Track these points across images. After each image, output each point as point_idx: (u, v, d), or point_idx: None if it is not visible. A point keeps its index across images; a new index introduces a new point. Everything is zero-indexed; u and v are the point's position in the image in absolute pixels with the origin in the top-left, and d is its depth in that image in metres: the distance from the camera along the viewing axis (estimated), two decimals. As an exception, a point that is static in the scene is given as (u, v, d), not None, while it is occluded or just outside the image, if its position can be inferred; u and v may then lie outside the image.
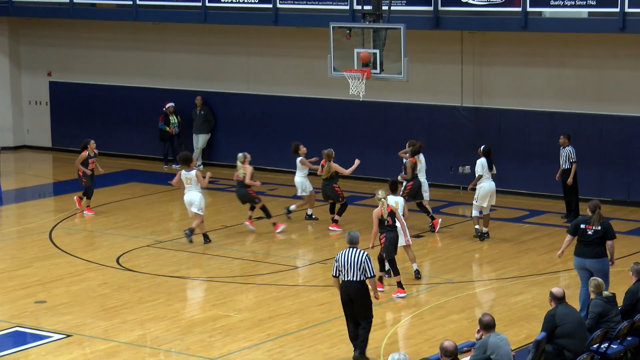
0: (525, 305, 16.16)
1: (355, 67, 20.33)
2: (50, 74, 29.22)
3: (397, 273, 16.70)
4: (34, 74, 29.43)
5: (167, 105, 26.73)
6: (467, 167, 23.51)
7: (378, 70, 20.25)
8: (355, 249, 13.95)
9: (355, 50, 20.28)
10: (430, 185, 21.94)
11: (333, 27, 20.87)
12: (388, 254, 16.67)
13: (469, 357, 12.15)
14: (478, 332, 12.12)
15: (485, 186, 19.62)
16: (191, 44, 27.03)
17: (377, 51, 20.21)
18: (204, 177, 19.74)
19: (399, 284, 16.65)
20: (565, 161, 20.96)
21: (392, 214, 16.56)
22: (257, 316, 15.87)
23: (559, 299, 13.02)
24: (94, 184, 22.29)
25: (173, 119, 26.73)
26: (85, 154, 21.92)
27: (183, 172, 19.81)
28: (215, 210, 22.38)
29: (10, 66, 29.41)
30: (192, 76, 27.08)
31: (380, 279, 16.75)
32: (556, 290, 13.14)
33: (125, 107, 27.89)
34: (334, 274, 13.99)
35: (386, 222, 16.52)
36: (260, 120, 26.18)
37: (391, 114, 24.51)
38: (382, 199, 16.46)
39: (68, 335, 15.01)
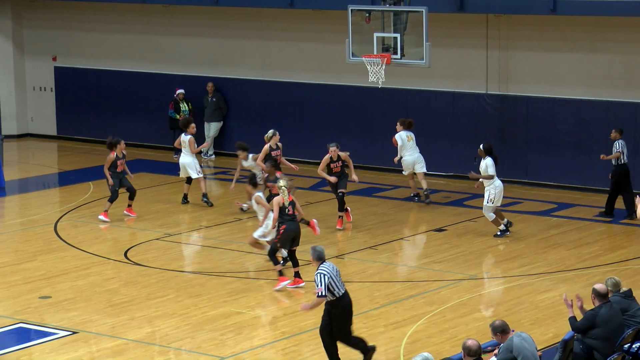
0: (553, 303, 15.93)
1: (375, 52, 20.24)
2: (55, 59, 29.18)
3: (296, 264, 16.75)
4: (38, 59, 29.43)
5: (178, 92, 26.60)
6: (492, 157, 23.22)
7: (399, 56, 20.24)
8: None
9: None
10: (452, 177, 22.08)
11: (352, 10, 20.79)
12: (283, 245, 16.76)
13: (493, 358, 11.98)
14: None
15: (498, 185, 19.38)
16: (202, 28, 26.99)
17: (398, 35, 20.18)
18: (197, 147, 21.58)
19: (297, 274, 16.71)
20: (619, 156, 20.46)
21: (293, 203, 16.72)
22: (271, 313, 15.85)
23: (603, 297, 12.68)
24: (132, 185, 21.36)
25: (183, 106, 26.59)
26: (113, 155, 20.66)
27: (182, 134, 21.62)
28: (227, 202, 22.31)
29: (14, 51, 29.40)
30: (203, 61, 27.06)
31: (297, 275, 16.71)
32: (599, 286, 12.79)
33: (134, 93, 27.86)
34: (325, 293, 13.23)
35: (287, 210, 16.62)
36: (274, 107, 26.15)
37: (412, 102, 24.47)
38: (283, 187, 16.66)
39: (74, 332, 14.97)
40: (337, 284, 13.27)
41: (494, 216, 19.33)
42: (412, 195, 22.21)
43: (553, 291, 16.45)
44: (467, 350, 11.12)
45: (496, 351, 11.99)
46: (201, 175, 21.63)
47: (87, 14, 28.32)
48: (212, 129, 26.57)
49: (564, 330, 13.20)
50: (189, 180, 21.77)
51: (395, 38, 20.11)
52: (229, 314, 15.66)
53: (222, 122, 26.65)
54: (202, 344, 14.51)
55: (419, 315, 15.43)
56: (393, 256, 18.37)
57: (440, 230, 19.98)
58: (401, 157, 21.83)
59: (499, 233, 19.37)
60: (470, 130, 23.70)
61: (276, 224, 16.67)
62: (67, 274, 17.50)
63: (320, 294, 13.16)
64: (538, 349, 12.10)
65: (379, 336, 14.63)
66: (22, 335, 14.96)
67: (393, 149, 24.39)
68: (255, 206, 17.81)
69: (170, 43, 27.41)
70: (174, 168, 23.88)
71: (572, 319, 12.71)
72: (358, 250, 18.64)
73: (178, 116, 26.38)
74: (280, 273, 16.61)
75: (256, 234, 17.47)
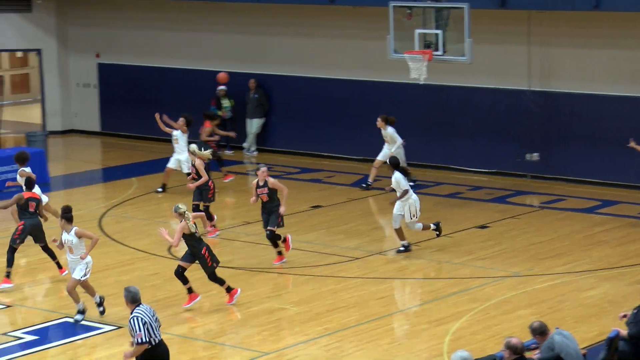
0: (598, 301, 15.82)
1: (417, 49, 20.21)
2: (98, 56, 29.29)
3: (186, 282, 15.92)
4: (82, 56, 29.55)
5: (219, 88, 26.53)
6: (536, 154, 23.32)
7: (440, 52, 20.19)
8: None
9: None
10: (494, 174, 22.05)
11: (393, 6, 20.75)
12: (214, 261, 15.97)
13: (536, 356, 11.92)
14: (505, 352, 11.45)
15: (415, 198, 18.29)
16: (244, 24, 26.98)
17: (440, 32, 20.15)
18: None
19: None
20: None
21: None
22: (314, 309, 15.76)
23: None
24: None
25: (225, 102, 26.53)
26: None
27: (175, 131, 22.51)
28: None
29: (58, 48, 29.54)
30: (245, 58, 27.05)
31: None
32: None
33: (176, 90, 27.93)
34: (146, 339, 11.85)
35: (197, 234, 15.68)
36: (316, 104, 26.10)
37: (453, 98, 24.36)
38: (186, 212, 15.62)
39: (118, 327, 14.97)
40: (154, 329, 11.88)
41: (422, 225, 18.31)
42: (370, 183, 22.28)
43: (597, 289, 16.33)
44: (514, 349, 11.07)
45: (537, 351, 11.95)
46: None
47: (130, 10, 28.41)
48: (254, 125, 26.56)
49: (609, 328, 13.10)
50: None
51: (437, 34, 20.08)
52: (272, 309, 15.66)
53: (264, 118, 26.61)
54: (246, 339, 14.52)
55: (462, 312, 15.36)
56: (436, 253, 18.27)
57: (483, 227, 19.87)
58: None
59: (402, 249, 18.24)
60: (512, 127, 23.55)
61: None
62: (112, 269, 17.57)
63: (140, 340, 11.69)
64: (582, 347, 12.08)
65: (422, 333, 14.60)
66: (68, 330, 15.01)
67: (436, 145, 24.40)
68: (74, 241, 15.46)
69: (212, 40, 27.41)
70: (217, 164, 23.97)
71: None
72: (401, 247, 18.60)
73: (220, 112, 26.44)
74: (190, 290, 15.84)
75: (77, 275, 15.35)
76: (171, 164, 22.64)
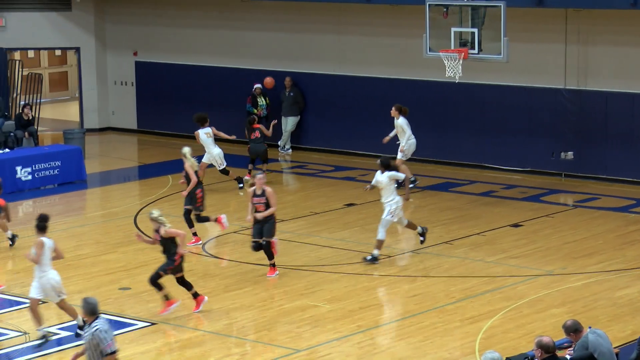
0: (632, 300, 15.74)
1: (452, 47, 20.14)
2: (135, 54, 29.39)
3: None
4: (119, 54, 29.68)
5: (255, 87, 26.60)
6: (570, 152, 23.20)
7: (476, 51, 20.12)
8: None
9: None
10: (529, 172, 21.92)
11: (429, 4, 20.68)
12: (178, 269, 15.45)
13: (568, 355, 11.88)
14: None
15: (399, 199, 17.82)
16: (280, 22, 27.00)
17: (476, 30, 20.07)
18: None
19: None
20: None
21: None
22: (347, 307, 15.72)
23: None
24: None
25: (261, 100, 26.61)
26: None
27: (201, 130, 22.06)
28: (304, 196, 22.38)
29: (96, 45, 29.65)
30: (281, 56, 27.07)
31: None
32: None
33: (212, 88, 27.95)
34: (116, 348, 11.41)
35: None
36: (351, 102, 26.08)
37: (489, 97, 24.26)
38: (159, 218, 15.17)
39: (152, 324, 15.03)
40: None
41: (384, 237, 17.65)
42: (413, 179, 22.14)
43: (631, 288, 16.24)
44: (546, 348, 11.02)
45: (571, 349, 11.88)
46: (225, 165, 22.50)
47: (167, 9, 28.46)
48: (289, 123, 26.54)
49: (643, 328, 13.07)
50: (224, 171, 22.52)
51: (473, 33, 19.97)
52: (305, 307, 15.64)
53: (299, 116, 26.61)
54: (279, 336, 14.51)
55: (495, 311, 15.30)
56: (469, 251, 18.23)
57: (516, 225, 19.78)
58: (399, 142, 21.68)
59: (369, 258, 17.63)
60: (548, 125, 23.41)
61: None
62: (147, 266, 17.46)
63: (110, 350, 11.24)
64: (616, 346, 11.97)
65: (454, 331, 14.56)
66: (102, 326, 15.16)
67: (470, 143, 24.29)
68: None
69: (248, 38, 27.40)
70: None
71: None
72: (434, 245, 18.55)
73: (255, 110, 26.47)
74: (166, 297, 15.44)
75: (34, 294, 14.44)
76: (205, 159, 22.54)
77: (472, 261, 17.76)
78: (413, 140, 21.76)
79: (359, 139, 25.68)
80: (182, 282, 15.46)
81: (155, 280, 15.29)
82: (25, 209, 22.25)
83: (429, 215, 20.61)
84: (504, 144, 23.83)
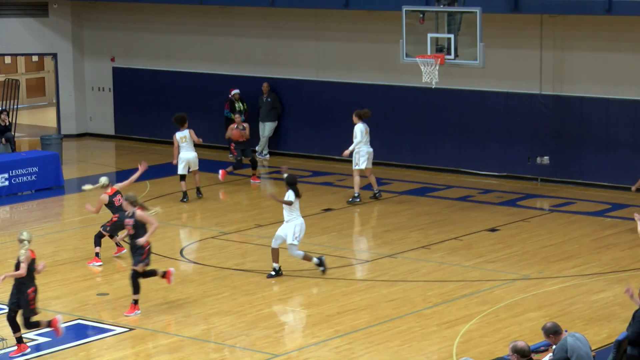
0: (607, 304, 15.78)
1: (429, 53, 20.12)
2: (113, 60, 29.34)
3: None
4: (97, 60, 29.62)
5: (233, 92, 26.61)
6: (546, 157, 23.27)
7: (452, 56, 20.09)
8: None
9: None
10: (506, 177, 21.93)
11: (406, 10, 20.68)
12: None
13: (547, 358, 11.91)
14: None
15: (302, 221, 17.22)
16: (258, 28, 27.00)
17: (452, 36, 20.06)
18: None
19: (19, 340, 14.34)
20: None
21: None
22: (325, 312, 15.72)
23: None
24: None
25: (239, 106, 26.60)
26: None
27: (178, 132, 22.06)
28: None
29: (74, 52, 29.59)
30: (258, 62, 27.08)
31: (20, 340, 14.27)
32: None
33: (190, 93, 27.94)
34: None
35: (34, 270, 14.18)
36: (329, 107, 26.10)
37: (466, 102, 24.27)
38: (24, 241, 14.02)
39: (130, 329, 15.01)
40: None
41: (303, 254, 17.17)
42: (376, 192, 21.79)
43: (607, 291, 16.26)
44: (521, 352, 11.03)
45: (549, 352, 11.91)
46: (197, 168, 22.43)
47: (145, 15, 28.41)
48: (266, 128, 26.54)
49: (618, 331, 13.10)
50: (182, 177, 22.36)
51: (449, 38, 19.96)
52: (283, 311, 15.67)
53: (277, 122, 26.59)
54: (257, 341, 14.49)
55: (472, 315, 15.34)
56: (446, 255, 18.26)
57: (493, 230, 19.81)
58: (352, 151, 21.43)
59: (272, 273, 17.18)
60: (524, 130, 23.45)
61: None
62: (125, 272, 17.36)
63: None
64: (592, 349, 11.96)
65: (432, 335, 14.58)
66: (80, 332, 14.99)
67: (447, 148, 24.35)
68: None
69: (226, 44, 27.39)
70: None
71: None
72: (411, 250, 18.60)
73: (234, 116, 26.47)
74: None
75: None
76: (184, 170, 22.49)
77: (449, 265, 17.79)
78: (365, 149, 21.46)
79: (336, 144, 25.50)
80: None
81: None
82: (2, 215, 22.19)
83: (406, 220, 20.61)
84: (480, 149, 23.90)
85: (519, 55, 23.53)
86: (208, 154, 27.07)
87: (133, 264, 15.57)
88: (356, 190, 21.64)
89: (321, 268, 17.30)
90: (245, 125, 23.76)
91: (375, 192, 21.95)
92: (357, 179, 21.60)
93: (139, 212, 15.54)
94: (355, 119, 21.58)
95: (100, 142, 29.34)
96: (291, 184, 17.00)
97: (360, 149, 21.46)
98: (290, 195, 16.92)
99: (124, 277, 17.20)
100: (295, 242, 17.00)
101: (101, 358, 14.07)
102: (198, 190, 22.51)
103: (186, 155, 22.30)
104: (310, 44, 26.21)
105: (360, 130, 21.44)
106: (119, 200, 17.54)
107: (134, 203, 15.61)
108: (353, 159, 21.58)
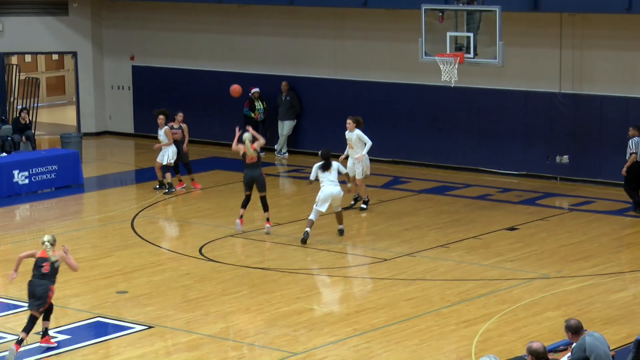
0: (626, 303, 15.73)
1: (448, 52, 20.07)
2: (132, 58, 29.36)
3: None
4: (116, 58, 29.65)
5: (252, 91, 26.58)
6: (565, 156, 23.21)
7: (472, 55, 20.01)
8: None
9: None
10: (525, 176, 21.88)
11: (425, 9, 20.63)
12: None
13: (566, 357, 11.82)
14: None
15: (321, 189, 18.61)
16: (277, 27, 26.99)
17: (471, 34, 19.99)
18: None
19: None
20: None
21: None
22: (343, 310, 15.75)
23: None
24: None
25: (258, 104, 26.57)
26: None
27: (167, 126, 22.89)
28: (300, 200, 22.32)
29: (93, 50, 29.62)
30: (277, 60, 27.04)
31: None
32: None
33: (209, 92, 27.92)
34: None
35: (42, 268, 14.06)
36: (347, 106, 25.93)
37: (485, 101, 24.23)
38: (44, 242, 14.08)
39: (149, 327, 15.01)
40: None
41: (311, 219, 18.26)
42: (357, 196, 21.29)
43: (626, 291, 16.24)
44: (536, 354, 10.97)
45: (568, 351, 11.85)
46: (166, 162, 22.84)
47: (164, 13, 28.43)
48: (285, 127, 26.56)
49: (637, 330, 13.14)
50: (170, 169, 22.88)
51: (469, 37, 19.90)
52: (301, 310, 15.61)
53: (295, 120, 26.60)
54: (275, 339, 14.49)
55: (490, 314, 15.29)
56: (465, 254, 18.22)
57: (512, 229, 19.76)
58: (347, 157, 20.95)
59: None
60: (543, 129, 23.38)
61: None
62: (144, 270, 17.59)
63: None
64: (611, 348, 11.92)
65: (450, 334, 14.55)
66: (100, 329, 15.02)
67: (466, 147, 24.31)
68: None
69: (245, 42, 27.39)
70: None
71: None
72: (429, 249, 18.59)
73: (253, 114, 26.47)
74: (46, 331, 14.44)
75: None
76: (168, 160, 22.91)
77: (468, 264, 17.76)
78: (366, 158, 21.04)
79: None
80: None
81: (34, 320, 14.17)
82: (22, 213, 22.30)
83: (424, 218, 20.59)
84: (499, 148, 23.86)
85: (538, 54, 23.47)
86: (227, 153, 27.20)
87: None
88: (363, 196, 21.38)
89: (301, 238, 18.72)
90: (184, 125, 23.34)
91: (357, 199, 21.41)
92: (363, 188, 21.24)
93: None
94: (353, 125, 20.92)
95: (120, 141, 29.39)
96: (323, 157, 18.97)
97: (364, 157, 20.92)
98: (314, 168, 19.01)
99: (143, 275, 17.38)
100: (315, 207, 18.80)
101: (120, 356, 14.09)
102: (161, 184, 23.09)
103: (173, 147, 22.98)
104: (329, 43, 26.21)
105: (364, 135, 21.00)
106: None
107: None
108: (355, 168, 20.90)
